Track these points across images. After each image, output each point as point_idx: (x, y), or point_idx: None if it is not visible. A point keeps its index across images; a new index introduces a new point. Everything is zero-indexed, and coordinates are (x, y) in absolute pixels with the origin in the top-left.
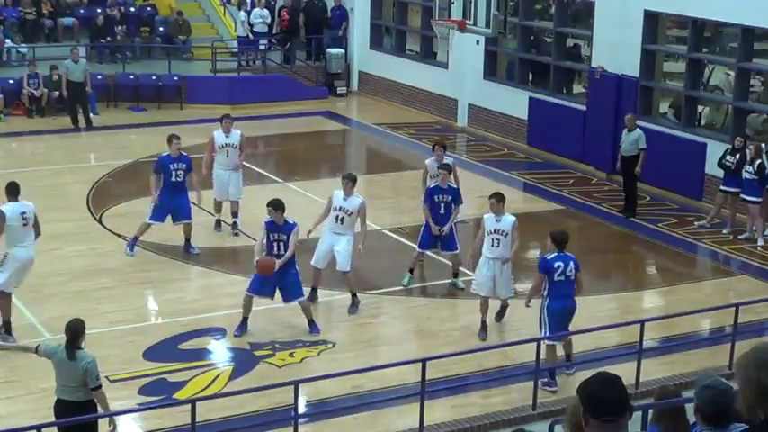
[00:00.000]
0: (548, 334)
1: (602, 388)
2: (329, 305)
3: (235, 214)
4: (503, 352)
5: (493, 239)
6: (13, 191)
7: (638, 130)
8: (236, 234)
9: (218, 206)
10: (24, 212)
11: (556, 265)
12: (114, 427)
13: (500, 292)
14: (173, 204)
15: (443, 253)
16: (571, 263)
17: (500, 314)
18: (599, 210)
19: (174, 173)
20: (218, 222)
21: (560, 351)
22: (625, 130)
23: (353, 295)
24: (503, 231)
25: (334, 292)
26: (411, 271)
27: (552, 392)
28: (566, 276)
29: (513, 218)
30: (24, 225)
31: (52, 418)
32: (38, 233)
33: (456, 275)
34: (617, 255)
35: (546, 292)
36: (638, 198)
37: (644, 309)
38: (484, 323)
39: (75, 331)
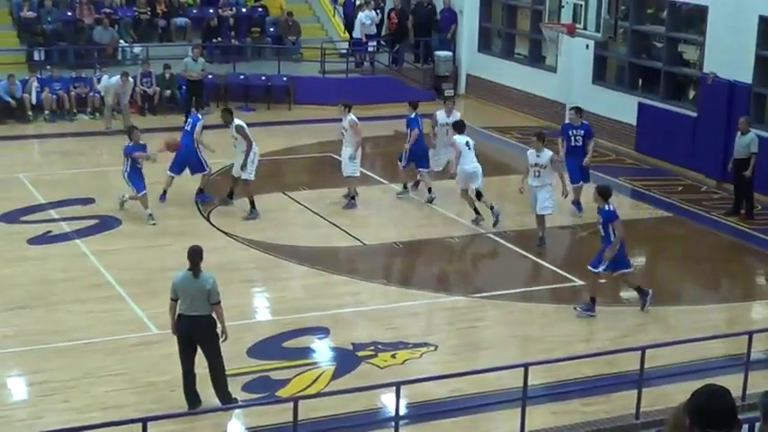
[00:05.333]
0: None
1: (711, 400)
2: (431, 307)
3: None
4: (606, 360)
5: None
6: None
7: (751, 133)
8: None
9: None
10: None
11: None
12: (225, 338)
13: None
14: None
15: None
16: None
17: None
18: (708, 218)
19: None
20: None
21: None
22: (738, 133)
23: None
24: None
25: (438, 295)
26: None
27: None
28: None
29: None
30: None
31: (156, 412)
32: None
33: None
34: (725, 264)
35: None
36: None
37: (752, 320)
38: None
39: (197, 253)
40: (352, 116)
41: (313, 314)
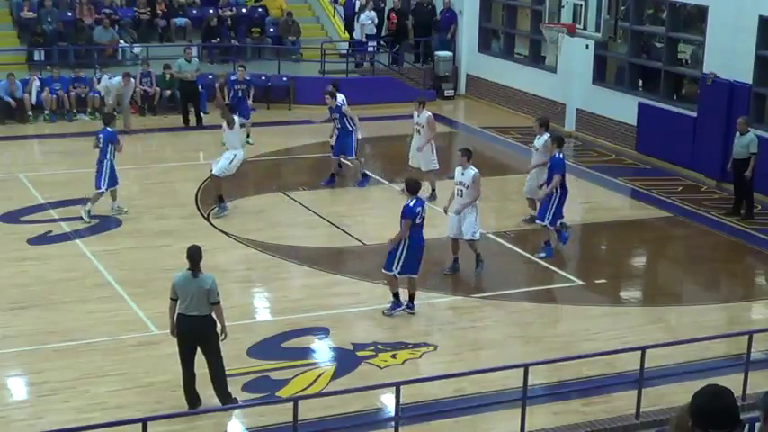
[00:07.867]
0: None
1: (713, 401)
2: (431, 307)
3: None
4: (606, 360)
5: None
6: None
7: (750, 133)
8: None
9: None
10: None
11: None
12: (225, 336)
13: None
14: None
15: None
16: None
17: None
18: (708, 218)
19: None
20: None
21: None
22: (737, 134)
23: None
24: (465, 184)
25: (438, 295)
26: None
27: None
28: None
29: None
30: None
31: (157, 412)
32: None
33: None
34: (725, 264)
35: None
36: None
37: (752, 320)
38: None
39: (196, 255)
40: (429, 113)
41: (313, 314)
